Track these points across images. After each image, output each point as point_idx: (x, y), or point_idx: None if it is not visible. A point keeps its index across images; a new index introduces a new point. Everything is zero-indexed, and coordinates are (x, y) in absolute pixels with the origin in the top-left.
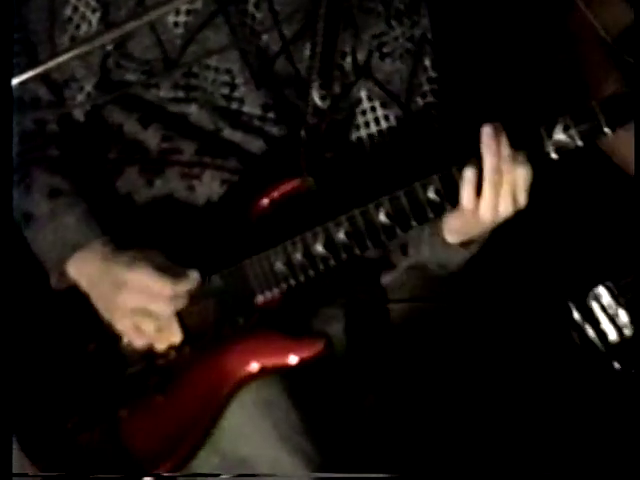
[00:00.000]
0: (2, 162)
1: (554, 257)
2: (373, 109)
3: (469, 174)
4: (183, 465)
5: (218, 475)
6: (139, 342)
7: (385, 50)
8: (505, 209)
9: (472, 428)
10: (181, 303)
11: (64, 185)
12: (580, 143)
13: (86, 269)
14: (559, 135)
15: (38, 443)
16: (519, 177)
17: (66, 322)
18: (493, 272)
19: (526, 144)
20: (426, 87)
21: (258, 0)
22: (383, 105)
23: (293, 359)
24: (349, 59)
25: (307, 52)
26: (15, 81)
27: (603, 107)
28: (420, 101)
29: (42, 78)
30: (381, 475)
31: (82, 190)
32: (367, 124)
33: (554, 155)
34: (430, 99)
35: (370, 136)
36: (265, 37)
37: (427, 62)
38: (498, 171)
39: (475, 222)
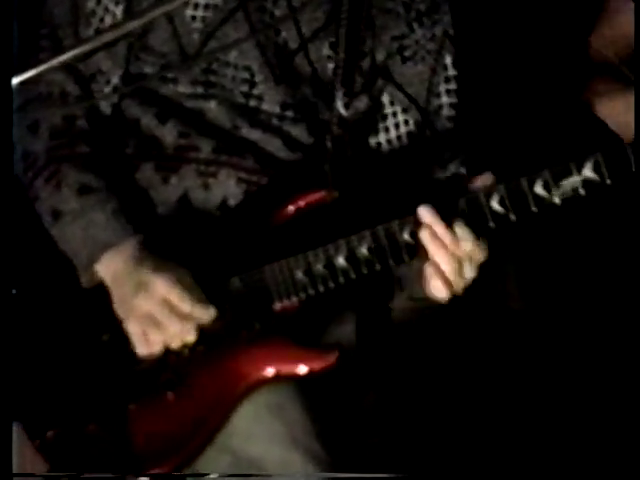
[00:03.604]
0: (2, 159)
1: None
2: (394, 114)
3: (426, 236)
4: (187, 463)
5: (221, 475)
6: (143, 350)
7: (406, 54)
8: (456, 286)
9: (473, 426)
10: (191, 326)
11: (94, 182)
12: (609, 182)
13: (113, 266)
14: (588, 172)
15: (44, 431)
16: (467, 252)
17: (82, 310)
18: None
19: (554, 177)
20: (443, 87)
21: None
22: (404, 110)
23: (302, 369)
24: (367, 60)
25: (326, 51)
26: (28, 74)
27: (635, 148)
28: (436, 101)
29: (69, 72)
30: (386, 475)
31: (112, 187)
32: (387, 129)
33: (582, 191)
34: (444, 99)
35: (389, 141)
36: (284, 34)
37: (448, 59)
38: (438, 259)
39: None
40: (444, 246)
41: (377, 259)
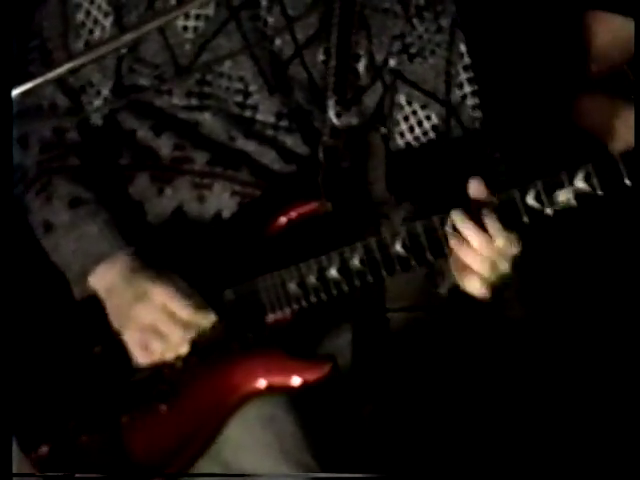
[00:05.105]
0: (2, 163)
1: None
2: (414, 112)
3: (453, 243)
4: (180, 475)
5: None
6: (144, 360)
7: (412, 51)
8: (489, 277)
9: (471, 435)
10: (192, 333)
11: (85, 194)
12: (600, 193)
13: (108, 278)
14: (580, 183)
15: (37, 441)
16: (499, 249)
17: (74, 322)
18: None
19: (548, 187)
20: (462, 76)
21: (270, 4)
22: (423, 107)
23: (295, 381)
24: (364, 61)
25: (321, 57)
26: (24, 88)
27: (625, 159)
28: (458, 93)
29: (59, 85)
30: (369, 475)
31: (103, 199)
32: (412, 129)
33: (573, 202)
34: (467, 89)
35: (416, 138)
36: (278, 41)
37: (462, 48)
38: (476, 247)
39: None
40: (473, 248)
41: (369, 271)
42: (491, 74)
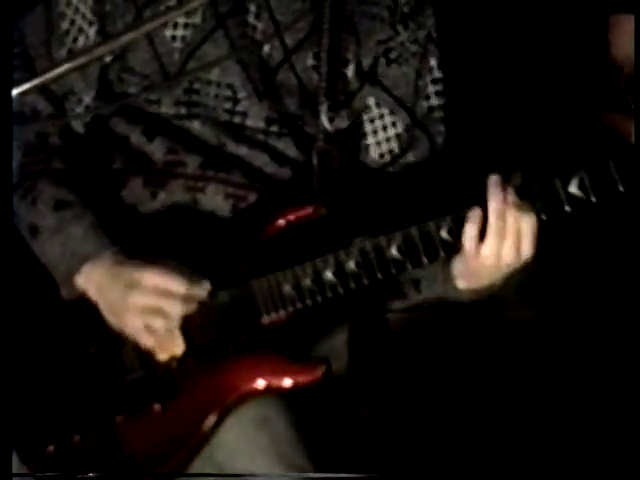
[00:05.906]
0: (2, 167)
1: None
2: (382, 116)
3: (474, 215)
4: (175, 476)
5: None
6: (149, 342)
7: (391, 56)
8: (508, 256)
9: (470, 436)
10: (191, 306)
11: (70, 197)
12: (594, 199)
13: (95, 276)
14: (574, 189)
15: (30, 441)
16: (524, 226)
17: (69, 323)
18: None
19: (541, 195)
20: (430, 89)
21: (259, 10)
22: (391, 112)
23: (288, 382)
24: (352, 66)
25: (310, 61)
26: (13, 93)
27: (619, 166)
28: (424, 104)
29: (41, 91)
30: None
31: (88, 202)
32: (375, 132)
33: (567, 208)
34: (434, 102)
35: (378, 143)
36: (267, 47)
37: (433, 62)
38: (502, 217)
39: (479, 267)
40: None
41: (365, 274)
42: (460, 89)
